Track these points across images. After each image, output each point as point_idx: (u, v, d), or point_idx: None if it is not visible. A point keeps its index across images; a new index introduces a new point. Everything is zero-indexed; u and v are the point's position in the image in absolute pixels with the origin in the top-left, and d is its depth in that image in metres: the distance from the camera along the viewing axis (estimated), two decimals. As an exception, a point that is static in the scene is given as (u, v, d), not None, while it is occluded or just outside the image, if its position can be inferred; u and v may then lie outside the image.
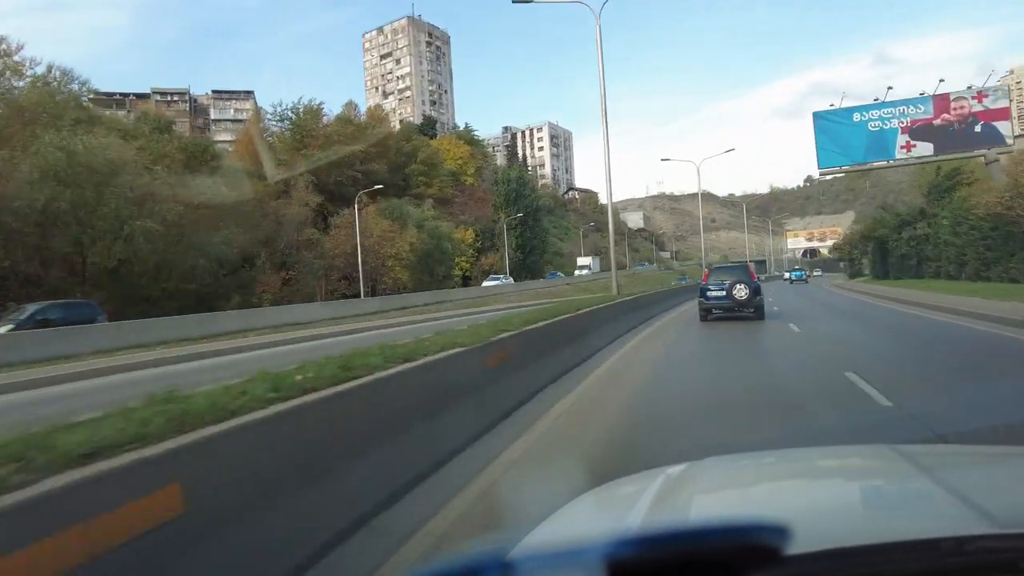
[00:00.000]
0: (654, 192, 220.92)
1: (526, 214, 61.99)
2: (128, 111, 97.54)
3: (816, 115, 24.17)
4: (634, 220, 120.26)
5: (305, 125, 56.23)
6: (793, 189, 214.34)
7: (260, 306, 32.70)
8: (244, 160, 56.17)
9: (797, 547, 0.80)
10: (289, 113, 55.75)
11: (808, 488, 1.60)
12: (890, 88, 22.20)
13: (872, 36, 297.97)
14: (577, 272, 68.06)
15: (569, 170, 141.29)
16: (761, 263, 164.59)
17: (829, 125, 23.81)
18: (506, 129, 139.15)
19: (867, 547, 0.90)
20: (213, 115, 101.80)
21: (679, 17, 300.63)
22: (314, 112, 56.53)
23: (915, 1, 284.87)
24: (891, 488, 1.43)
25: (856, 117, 23.33)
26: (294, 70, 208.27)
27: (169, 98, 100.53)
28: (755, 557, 0.78)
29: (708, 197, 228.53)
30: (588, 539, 0.82)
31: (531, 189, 65.53)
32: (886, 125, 22.93)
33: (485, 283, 45.93)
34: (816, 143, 24.00)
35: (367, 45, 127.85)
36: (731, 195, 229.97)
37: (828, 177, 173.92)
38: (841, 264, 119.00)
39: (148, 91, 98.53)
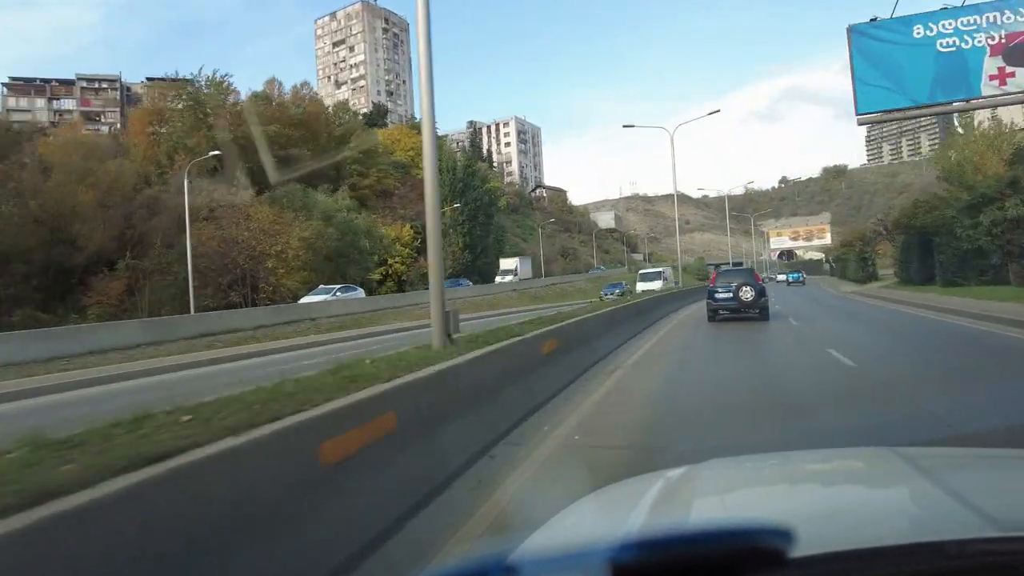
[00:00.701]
0: (628, 193, 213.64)
1: (475, 208, 52.79)
2: (49, 98, 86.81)
3: (855, 31, 15.25)
4: (605, 220, 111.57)
5: (208, 101, 46.47)
6: (768, 190, 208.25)
7: (83, 322, 23.21)
8: (136, 144, 46.41)
9: (800, 550, 0.80)
10: (187, 86, 45.69)
11: (809, 491, 1.57)
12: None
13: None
14: (499, 279, 50.87)
15: (538, 167, 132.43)
16: (739, 265, 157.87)
17: (875, 47, 14.96)
18: (471, 123, 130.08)
19: (869, 550, 0.89)
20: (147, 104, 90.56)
21: (661, 23, 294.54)
22: (218, 85, 46.66)
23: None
24: (893, 491, 1.39)
25: (918, 31, 14.47)
26: (248, 61, 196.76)
27: (97, 85, 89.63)
28: (758, 560, 0.78)
29: (682, 198, 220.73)
30: (590, 542, 0.84)
31: (482, 180, 56.23)
32: (966, 43, 14.16)
33: (304, 298, 26.95)
34: (853, 73, 15.14)
35: (319, 32, 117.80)
36: (705, 196, 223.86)
37: (803, 177, 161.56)
38: (826, 266, 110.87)
39: (73, 77, 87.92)
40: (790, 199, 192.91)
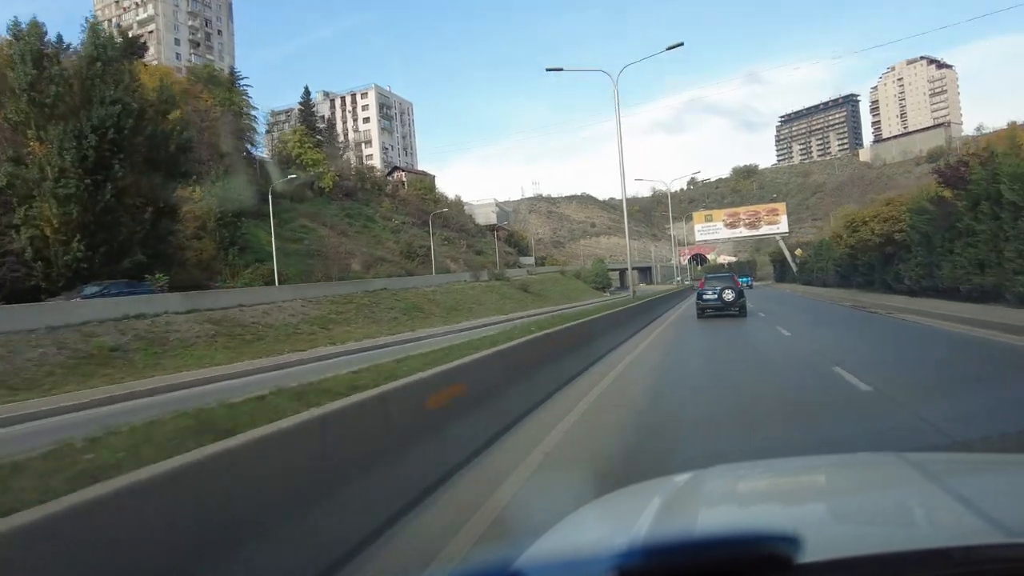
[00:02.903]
0: (530, 194, 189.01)
1: (106, 143, 23.55)
2: None
3: None
4: (485, 215, 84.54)
5: None
6: (676, 192, 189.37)
7: None
8: None
9: (807, 556, 0.77)
10: None
11: (816, 496, 1.50)
12: None
13: (745, 60, 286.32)
14: None
15: (410, 150, 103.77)
16: (646, 270, 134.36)
17: None
18: (326, 95, 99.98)
19: (876, 556, 0.85)
20: None
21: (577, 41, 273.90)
22: None
23: (784, 35, 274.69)
24: (900, 496, 1.33)
25: None
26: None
27: None
28: (765, 566, 0.75)
29: (588, 200, 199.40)
30: (595, 548, 0.83)
31: (130, 88, 25.78)
32: None
33: None
34: None
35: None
36: (612, 198, 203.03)
37: (712, 179, 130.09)
38: (773, 267, 78.87)
39: None
40: (700, 201, 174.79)
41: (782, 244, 73.89)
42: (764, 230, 78.24)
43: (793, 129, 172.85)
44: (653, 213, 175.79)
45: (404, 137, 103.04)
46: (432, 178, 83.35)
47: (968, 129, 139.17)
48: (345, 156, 75.90)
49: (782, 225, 77.68)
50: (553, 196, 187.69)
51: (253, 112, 67.60)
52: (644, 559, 0.77)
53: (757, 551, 0.75)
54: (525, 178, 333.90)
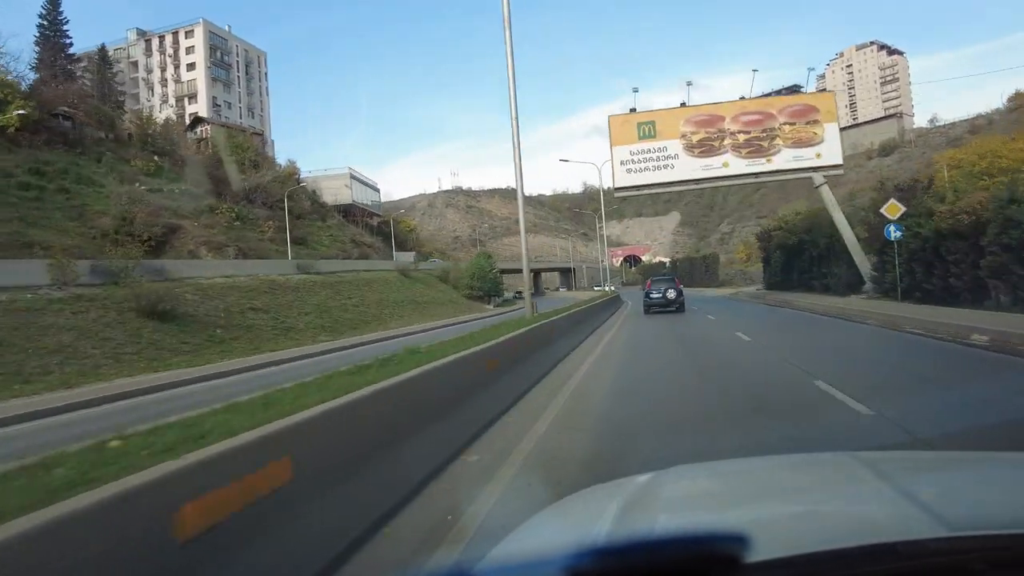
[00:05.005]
0: (448, 186, 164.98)
1: None
2: None
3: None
4: (334, 190, 60.05)
5: None
6: (609, 189, 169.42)
7: None
8: None
9: (757, 554, 0.78)
10: None
11: (770, 496, 1.51)
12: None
13: (679, 66, 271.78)
14: None
15: (259, 111, 77.79)
16: (567, 272, 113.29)
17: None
18: (141, 33, 73.08)
19: (825, 553, 0.86)
20: None
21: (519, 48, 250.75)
22: None
23: (720, 45, 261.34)
24: (851, 494, 1.36)
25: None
26: None
27: None
28: (716, 565, 0.76)
29: (512, 195, 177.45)
30: (552, 551, 0.81)
31: None
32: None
33: None
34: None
35: None
36: (540, 195, 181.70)
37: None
38: (775, 260, 39.72)
39: None
40: (633, 199, 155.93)
41: (826, 193, 25.99)
42: (783, 159, 25.71)
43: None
44: (584, 209, 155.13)
45: (253, 95, 76.87)
46: (256, 136, 57.85)
47: (921, 121, 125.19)
48: (130, 104, 49.57)
49: (826, 151, 26.14)
50: (474, 189, 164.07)
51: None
52: (596, 560, 0.76)
53: (706, 551, 0.75)
54: (443, 169, 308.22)
